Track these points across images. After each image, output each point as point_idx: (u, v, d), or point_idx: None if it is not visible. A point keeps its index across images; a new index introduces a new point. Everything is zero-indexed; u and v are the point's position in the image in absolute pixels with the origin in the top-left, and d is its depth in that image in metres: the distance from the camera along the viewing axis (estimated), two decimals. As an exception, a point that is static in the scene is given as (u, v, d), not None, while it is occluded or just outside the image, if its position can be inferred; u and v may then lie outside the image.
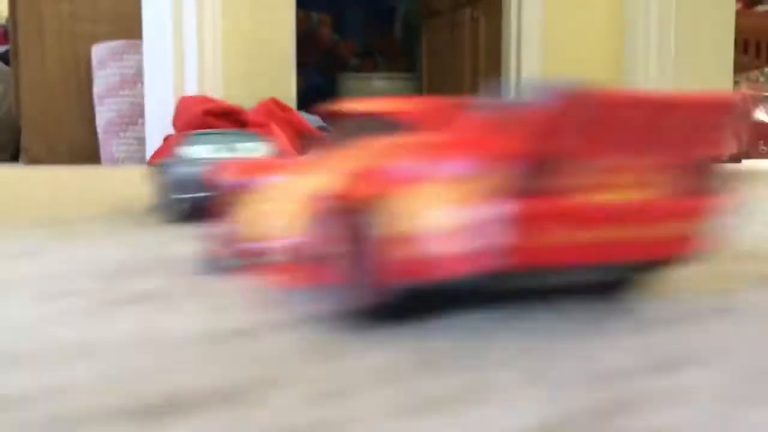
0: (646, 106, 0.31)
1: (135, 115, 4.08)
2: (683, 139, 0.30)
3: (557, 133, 0.26)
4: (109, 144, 4.63)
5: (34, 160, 4.68)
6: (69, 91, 4.71)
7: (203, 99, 3.79)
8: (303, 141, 3.91)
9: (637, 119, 0.29)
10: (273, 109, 3.78)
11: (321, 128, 3.92)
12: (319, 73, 6.44)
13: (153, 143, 3.90)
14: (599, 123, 0.27)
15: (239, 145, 0.82)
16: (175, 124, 3.81)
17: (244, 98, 3.95)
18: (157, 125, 3.95)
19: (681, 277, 0.56)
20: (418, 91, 5.87)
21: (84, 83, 4.55)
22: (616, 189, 0.29)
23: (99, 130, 4.68)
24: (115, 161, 4.41)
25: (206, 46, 4.00)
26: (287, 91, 4.33)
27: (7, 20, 5.16)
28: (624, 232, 0.29)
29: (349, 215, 0.42)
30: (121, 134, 4.44)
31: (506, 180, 0.27)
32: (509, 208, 0.26)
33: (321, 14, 6.58)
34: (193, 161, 0.77)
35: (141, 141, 4.13)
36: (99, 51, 4.42)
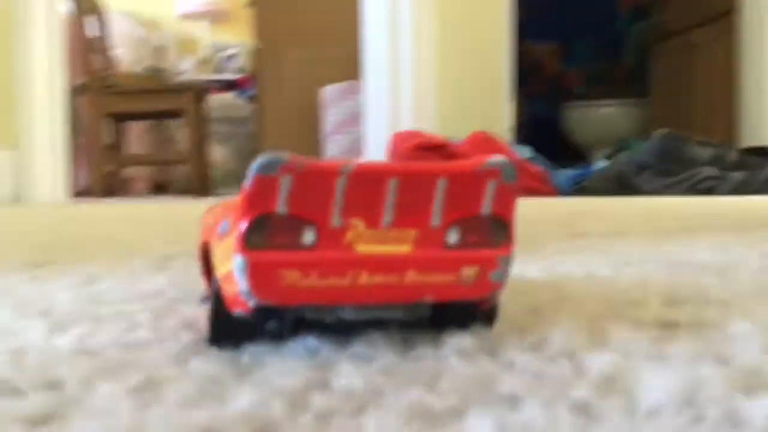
0: (379, 176, 0.29)
1: (357, 151, 4.37)
2: (449, 203, 0.28)
3: (266, 197, 0.26)
4: (334, 177, 5.07)
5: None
6: (301, 129, 5.17)
7: (414, 134, 3.93)
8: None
9: (371, 188, 0.28)
10: (481, 141, 3.83)
11: (532, 159, 3.89)
12: (545, 103, 6.39)
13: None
14: (314, 190, 0.27)
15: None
16: (389, 159, 4.01)
17: (458, 131, 4.04)
18: (374, 160, 4.18)
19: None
20: (648, 117, 5.59)
21: (314, 122, 4.97)
22: (380, 242, 0.28)
23: (327, 164, 5.13)
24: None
25: (421, 84, 4.17)
26: (501, 122, 4.35)
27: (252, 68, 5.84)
28: (393, 279, 0.29)
29: (203, 258, 0.46)
30: (345, 169, 4.84)
31: (238, 236, 0.28)
32: (239, 259, 0.27)
33: (548, 43, 6.54)
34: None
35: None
36: (327, 92, 4.80)
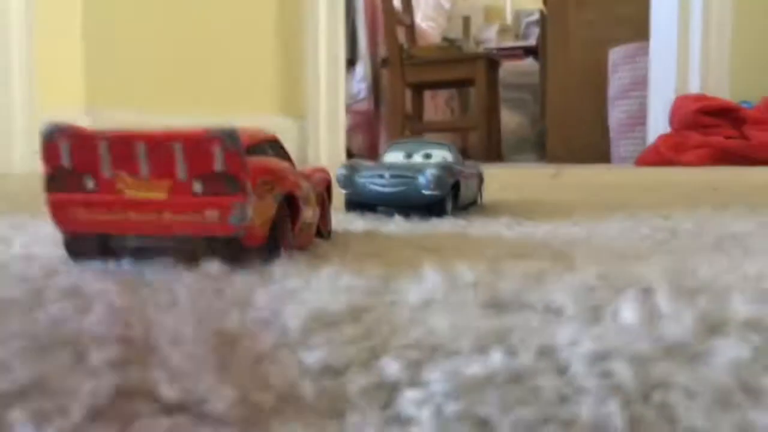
0: (132, 139, 0.34)
1: (643, 116, 4.15)
2: (189, 162, 0.31)
3: (54, 157, 0.33)
4: (618, 143, 4.79)
5: (555, 159, 5.14)
6: (586, 93, 5.02)
7: (697, 97, 3.67)
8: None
9: (126, 149, 0.32)
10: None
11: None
12: None
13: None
14: (86, 151, 0.32)
15: (433, 152, 0.86)
16: (671, 124, 3.80)
17: (752, 95, 3.69)
18: (658, 125, 3.99)
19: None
20: None
21: (599, 86, 4.79)
22: (142, 189, 0.34)
23: (610, 130, 4.86)
24: (622, 160, 4.53)
25: (711, 45, 3.86)
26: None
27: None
28: (154, 216, 0.33)
29: None
30: (629, 134, 4.54)
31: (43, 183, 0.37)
32: (47, 198, 0.36)
33: None
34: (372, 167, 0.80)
35: (645, 141, 4.20)
36: (614, 55, 4.57)
